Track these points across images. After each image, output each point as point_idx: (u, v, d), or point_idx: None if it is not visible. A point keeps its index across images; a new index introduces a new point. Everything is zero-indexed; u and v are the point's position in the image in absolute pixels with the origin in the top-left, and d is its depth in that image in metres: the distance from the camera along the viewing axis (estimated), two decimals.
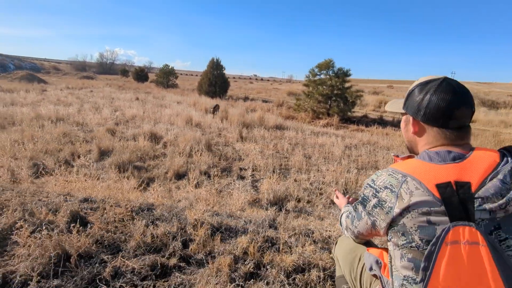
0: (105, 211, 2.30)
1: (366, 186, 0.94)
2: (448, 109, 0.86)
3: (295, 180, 4.70)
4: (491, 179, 0.76)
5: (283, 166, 5.52)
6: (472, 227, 0.72)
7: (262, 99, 19.00)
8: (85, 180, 3.59)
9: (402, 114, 1.04)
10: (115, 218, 2.25)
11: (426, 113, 0.90)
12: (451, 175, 0.78)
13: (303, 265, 1.96)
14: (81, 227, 1.96)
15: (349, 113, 12.87)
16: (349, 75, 12.92)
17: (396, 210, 0.82)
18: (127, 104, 11.84)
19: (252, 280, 1.79)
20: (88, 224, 2.06)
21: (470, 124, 0.93)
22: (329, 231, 2.53)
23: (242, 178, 4.90)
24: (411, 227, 0.79)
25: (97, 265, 1.76)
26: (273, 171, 5.06)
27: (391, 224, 0.86)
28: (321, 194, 4.27)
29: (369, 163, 5.89)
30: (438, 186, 0.77)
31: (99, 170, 4.74)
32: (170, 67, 28.09)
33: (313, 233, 2.54)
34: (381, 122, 12.40)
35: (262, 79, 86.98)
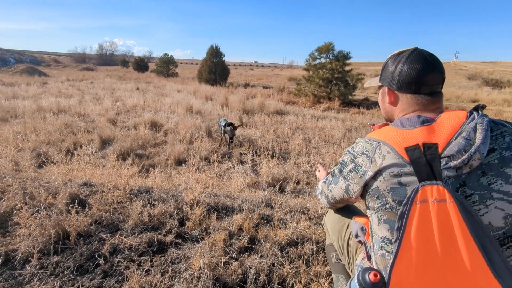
0: (104, 193, 2.36)
1: (346, 152, 0.99)
2: (419, 75, 0.91)
3: (295, 163, 4.73)
4: (456, 138, 0.79)
5: (283, 150, 5.55)
6: (439, 185, 0.75)
7: (262, 85, 18.88)
8: (86, 167, 3.65)
9: (379, 87, 1.09)
10: (113, 200, 2.31)
11: (399, 81, 0.95)
12: (419, 138, 0.82)
13: (296, 239, 2.01)
14: (80, 208, 2.01)
15: (350, 97, 12.76)
16: (349, 58, 12.74)
17: (370, 173, 0.87)
18: (128, 94, 11.84)
19: (246, 253, 1.84)
20: (87, 206, 2.11)
21: (442, 90, 0.96)
22: (325, 208, 2.58)
23: (242, 162, 4.95)
24: (384, 190, 0.84)
25: (96, 242, 1.83)
26: (273, 155, 5.10)
27: (366, 189, 0.90)
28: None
29: None
30: (407, 149, 0.81)
31: (100, 158, 4.81)
32: (169, 56, 27.90)
33: (308, 210, 2.58)
34: None
35: (262, 66, 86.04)
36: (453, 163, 0.77)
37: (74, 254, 1.71)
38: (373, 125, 1.08)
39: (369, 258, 1.02)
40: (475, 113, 0.83)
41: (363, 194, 0.94)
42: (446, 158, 0.78)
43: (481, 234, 0.72)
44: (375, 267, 0.92)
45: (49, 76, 22.93)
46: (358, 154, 0.93)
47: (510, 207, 0.76)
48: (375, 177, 0.86)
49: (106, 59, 66.66)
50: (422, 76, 0.91)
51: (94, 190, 2.51)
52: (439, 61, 0.94)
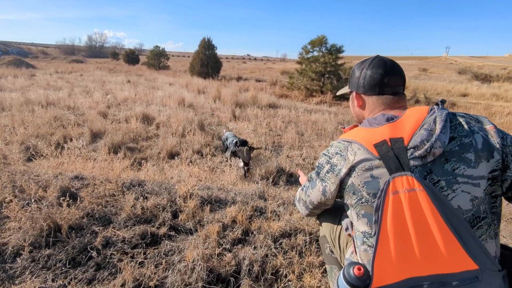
0: (95, 186, 2.33)
1: (322, 155, 1.04)
2: (381, 78, 1.01)
3: (288, 156, 4.75)
4: (419, 130, 0.85)
5: (276, 143, 5.56)
6: (408, 175, 0.80)
7: (255, 79, 18.77)
8: (77, 161, 3.60)
9: (349, 94, 1.19)
10: (105, 193, 2.29)
11: (364, 85, 1.05)
12: (386, 134, 0.88)
13: (290, 230, 2.03)
14: (71, 201, 1.99)
15: None
16: (342, 51, 12.73)
17: (344, 170, 0.91)
18: (119, 87, 11.66)
19: (240, 245, 1.85)
20: (79, 199, 2.09)
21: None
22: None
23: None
24: (359, 184, 0.88)
25: (88, 235, 1.81)
26: (266, 148, 5.11)
27: (342, 186, 0.95)
28: (313, 169, 4.34)
29: None
30: (376, 145, 0.87)
31: (91, 152, 4.75)
32: (161, 49, 27.49)
33: None
34: None
35: (255, 59, 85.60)
36: (418, 152, 0.82)
37: (66, 247, 1.69)
38: (343, 127, 1.16)
39: (357, 252, 1.04)
40: (435, 107, 0.90)
41: (341, 193, 0.97)
42: (411, 149, 0.83)
43: (452, 218, 0.77)
44: (360, 261, 0.94)
45: (37, 68, 22.40)
46: (333, 155, 0.98)
47: (475, 190, 0.80)
48: (349, 173, 0.90)
49: (96, 51, 65.36)
50: (383, 78, 1.01)
51: (85, 183, 2.48)
52: (398, 65, 1.05)
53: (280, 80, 16.54)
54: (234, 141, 4.17)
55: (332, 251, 1.41)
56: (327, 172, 0.98)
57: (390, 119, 0.93)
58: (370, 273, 0.82)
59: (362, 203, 0.88)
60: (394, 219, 0.79)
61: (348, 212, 0.98)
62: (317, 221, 1.64)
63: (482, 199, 0.81)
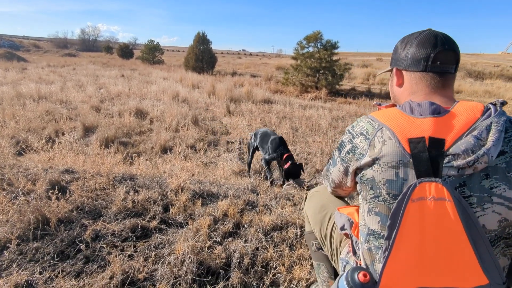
0: (86, 180, 2.31)
1: (346, 132, 0.94)
2: (429, 51, 0.85)
3: None
4: (466, 135, 0.73)
5: None
6: (438, 183, 0.71)
7: (250, 74, 18.74)
8: (68, 155, 3.56)
9: (390, 72, 1.04)
10: (96, 186, 2.27)
11: (407, 58, 0.90)
12: (426, 130, 0.76)
13: (281, 224, 2.03)
14: (60, 194, 1.97)
15: (337, 86, 12.82)
16: (337, 47, 12.75)
17: (366, 158, 0.81)
18: (112, 81, 11.54)
19: (230, 238, 1.85)
20: (68, 192, 2.07)
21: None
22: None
23: (229, 151, 4.93)
24: (380, 181, 0.79)
25: (77, 228, 1.80)
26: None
27: (359, 175, 0.86)
28: (306, 164, 4.35)
29: None
30: (410, 140, 0.75)
31: (83, 146, 4.70)
32: (155, 43, 27.24)
33: (293, 196, 2.61)
34: (369, 94, 12.44)
35: (251, 54, 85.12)
36: (457, 162, 0.71)
37: (55, 240, 1.67)
38: (379, 105, 1.00)
39: (354, 252, 0.99)
40: (492, 108, 0.76)
41: (355, 180, 0.89)
42: (450, 156, 0.72)
43: (475, 234, 0.71)
44: (362, 260, 0.89)
45: (29, 61, 22.06)
46: (357, 135, 0.87)
47: (508, 213, 0.72)
48: (371, 164, 0.80)
49: (89, 45, 64.38)
50: (431, 52, 0.85)
51: (76, 177, 2.46)
52: (453, 40, 0.87)
53: (275, 76, 16.52)
54: (275, 153, 3.39)
55: (319, 248, 1.35)
56: (348, 153, 0.89)
57: (436, 112, 0.79)
58: (376, 279, 0.77)
59: (379, 201, 0.79)
60: (414, 226, 0.72)
61: (360, 202, 0.90)
62: (303, 214, 1.58)
63: (511, 222, 0.73)
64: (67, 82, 10.82)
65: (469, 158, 0.70)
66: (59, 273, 1.46)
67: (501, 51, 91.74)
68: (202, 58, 18.38)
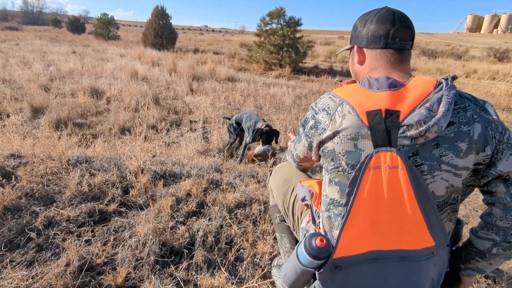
0: (35, 164, 2.15)
1: (309, 109, 0.97)
2: (388, 28, 0.89)
3: None
4: (420, 107, 0.77)
5: None
6: (393, 152, 0.76)
7: (213, 51, 18.17)
8: (14, 138, 3.27)
9: (350, 50, 1.05)
10: (47, 171, 2.12)
11: (368, 35, 0.93)
12: (383, 103, 0.80)
13: (245, 201, 2.06)
14: (5, 181, 1.81)
15: (300, 64, 12.89)
16: (300, 24, 12.68)
17: (328, 132, 0.85)
18: (63, 58, 10.62)
19: (194, 217, 1.84)
20: (15, 178, 1.91)
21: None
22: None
23: (192, 130, 4.83)
24: (340, 152, 0.83)
25: (27, 216, 1.68)
26: (224, 122, 5.04)
27: (321, 148, 0.90)
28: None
29: None
30: (368, 113, 0.79)
31: (32, 128, 4.34)
32: (109, 17, 25.28)
33: (257, 174, 2.64)
34: (331, 72, 12.66)
35: (213, 30, 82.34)
36: (410, 133, 0.76)
37: (1, 230, 1.55)
38: (341, 81, 1.04)
39: (313, 221, 1.04)
40: (444, 82, 0.81)
41: (319, 154, 0.93)
42: (404, 127, 0.77)
43: (424, 200, 0.77)
44: (321, 228, 0.94)
45: None
46: (319, 110, 0.90)
47: (455, 179, 0.78)
48: (332, 137, 0.84)
49: (33, 18, 58.25)
50: (390, 29, 0.88)
51: (23, 162, 2.27)
52: (408, 18, 0.92)
53: (239, 53, 16.21)
54: (255, 127, 3.41)
55: (282, 220, 1.42)
56: (311, 128, 0.92)
57: (393, 86, 0.83)
58: (333, 244, 0.82)
59: (338, 171, 0.84)
60: (371, 194, 0.77)
61: (323, 174, 0.95)
62: (268, 189, 1.64)
63: (458, 188, 0.80)
64: (9, 59, 9.78)
65: (421, 128, 0.74)
66: (8, 263, 1.37)
67: (452, 31, 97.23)
68: (162, 34, 17.43)
